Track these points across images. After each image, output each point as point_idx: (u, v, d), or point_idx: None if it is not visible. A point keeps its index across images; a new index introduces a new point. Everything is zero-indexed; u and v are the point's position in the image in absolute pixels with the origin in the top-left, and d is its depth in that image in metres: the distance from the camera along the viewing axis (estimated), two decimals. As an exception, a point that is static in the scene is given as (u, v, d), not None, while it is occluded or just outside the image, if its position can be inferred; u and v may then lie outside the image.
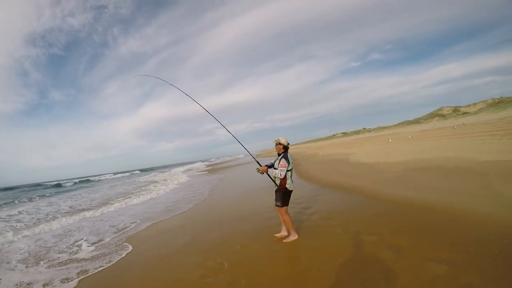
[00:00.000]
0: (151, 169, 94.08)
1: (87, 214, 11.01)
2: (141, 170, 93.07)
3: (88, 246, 6.77)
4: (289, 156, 5.15)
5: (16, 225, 10.61)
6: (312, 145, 69.06)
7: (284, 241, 5.22)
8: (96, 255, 6.10)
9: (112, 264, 5.48)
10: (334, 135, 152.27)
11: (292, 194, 5.23)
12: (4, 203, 22.28)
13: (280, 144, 5.20)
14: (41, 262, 6.03)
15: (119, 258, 5.73)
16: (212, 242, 5.90)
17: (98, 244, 6.97)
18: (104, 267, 5.33)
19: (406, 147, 18.42)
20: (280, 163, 5.02)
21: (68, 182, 52.54)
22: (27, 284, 5.00)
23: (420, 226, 4.82)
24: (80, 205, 15.51)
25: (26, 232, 8.70)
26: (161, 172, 48.93)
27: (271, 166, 5.29)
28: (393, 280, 3.23)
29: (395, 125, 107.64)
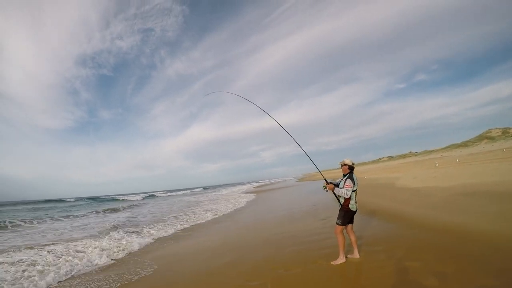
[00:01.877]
0: (205, 189, 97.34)
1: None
2: (190, 189, 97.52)
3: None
4: (354, 177, 5.26)
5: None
6: (358, 169, 67.44)
7: (332, 262, 5.24)
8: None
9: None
10: (379, 159, 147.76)
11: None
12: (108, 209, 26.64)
13: (345, 165, 5.37)
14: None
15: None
16: (255, 263, 5.99)
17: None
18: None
19: (453, 171, 17.95)
20: (346, 183, 5.15)
21: (136, 196, 61.34)
22: None
23: (466, 253, 4.71)
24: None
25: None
26: (213, 192, 51.99)
27: (337, 185, 5.40)
28: None
29: (442, 149, 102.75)
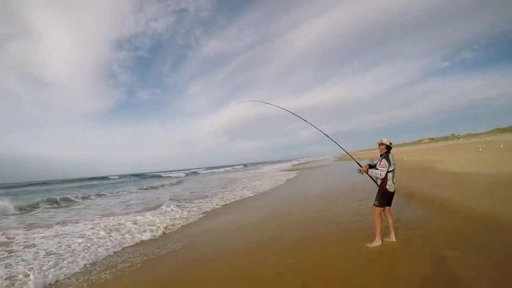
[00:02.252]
0: (245, 166, 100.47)
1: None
2: (231, 166, 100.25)
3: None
4: (391, 157, 5.15)
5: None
6: (398, 150, 65.54)
7: (367, 245, 5.24)
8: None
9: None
10: (420, 140, 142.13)
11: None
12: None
13: (382, 144, 5.26)
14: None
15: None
16: (291, 242, 6.10)
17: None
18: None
19: (497, 157, 17.11)
20: (381, 164, 5.08)
21: (178, 172, 65.55)
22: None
23: (506, 246, 4.57)
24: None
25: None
26: (253, 170, 53.78)
27: (373, 166, 5.35)
28: None
29: (486, 132, 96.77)
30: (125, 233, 7.89)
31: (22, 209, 14.65)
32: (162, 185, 27.02)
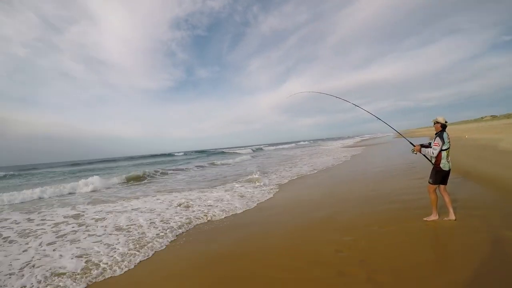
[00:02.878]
0: (314, 141, 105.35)
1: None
2: (295, 143, 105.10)
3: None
4: (445, 135, 5.22)
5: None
6: (458, 127, 62.04)
7: (424, 219, 5.40)
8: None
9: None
10: (482, 117, 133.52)
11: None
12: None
13: (438, 122, 5.32)
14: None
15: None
16: (350, 219, 6.21)
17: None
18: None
19: None
20: (435, 142, 5.18)
21: (243, 149, 69.61)
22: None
23: None
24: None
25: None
26: (317, 146, 56.01)
27: (428, 145, 5.43)
28: None
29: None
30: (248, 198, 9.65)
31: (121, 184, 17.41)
32: (230, 163, 28.88)
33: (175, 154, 76.46)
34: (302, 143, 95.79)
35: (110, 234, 6.80)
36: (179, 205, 9.28)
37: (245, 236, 6.08)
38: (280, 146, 72.67)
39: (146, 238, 6.32)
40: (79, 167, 47.20)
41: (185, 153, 76.71)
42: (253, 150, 59.32)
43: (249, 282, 4.03)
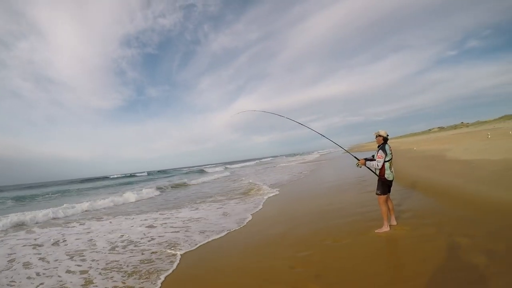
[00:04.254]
0: (259, 160, 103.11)
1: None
2: (259, 159, 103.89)
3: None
4: (387, 147, 5.32)
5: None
6: (407, 140, 65.19)
7: (375, 231, 5.39)
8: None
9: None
10: (430, 129, 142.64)
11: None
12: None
13: (380, 136, 5.45)
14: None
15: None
16: (303, 235, 6.14)
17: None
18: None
19: (506, 144, 17.12)
20: (378, 154, 5.28)
21: (213, 167, 67.56)
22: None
23: None
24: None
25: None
26: (275, 165, 54.13)
27: (372, 158, 5.54)
28: (485, 284, 3.18)
29: (495, 120, 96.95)
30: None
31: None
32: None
33: (138, 175, 73.39)
34: (265, 159, 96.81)
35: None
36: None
37: (202, 257, 5.82)
38: (241, 164, 72.05)
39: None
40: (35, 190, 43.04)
41: (149, 173, 74.22)
42: (225, 168, 58.21)
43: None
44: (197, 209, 11.38)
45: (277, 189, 14.94)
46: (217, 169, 57.39)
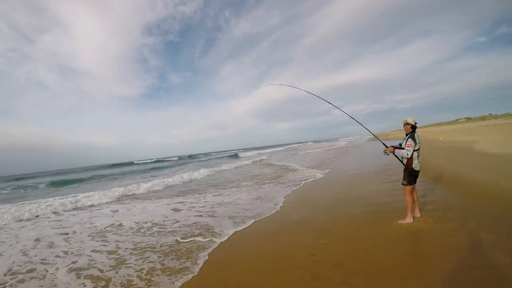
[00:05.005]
0: (287, 145, 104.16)
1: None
2: (283, 146, 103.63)
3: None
4: (416, 136, 5.22)
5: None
6: (433, 129, 63.11)
7: (399, 222, 5.39)
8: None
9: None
10: (456, 120, 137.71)
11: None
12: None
13: (408, 124, 5.34)
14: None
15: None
16: (325, 223, 6.15)
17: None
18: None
19: None
20: (407, 143, 5.17)
21: (249, 151, 69.17)
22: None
23: None
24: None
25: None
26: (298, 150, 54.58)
27: (399, 146, 5.40)
28: (507, 284, 3.14)
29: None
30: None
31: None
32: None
33: (169, 159, 75.30)
34: (292, 145, 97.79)
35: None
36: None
37: (232, 242, 5.96)
38: (269, 150, 72.76)
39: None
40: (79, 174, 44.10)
41: (180, 158, 77.39)
42: (257, 153, 58.61)
43: None
44: (235, 191, 12.00)
45: (318, 170, 15.64)
46: (249, 153, 58.41)
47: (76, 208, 11.67)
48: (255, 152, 65.99)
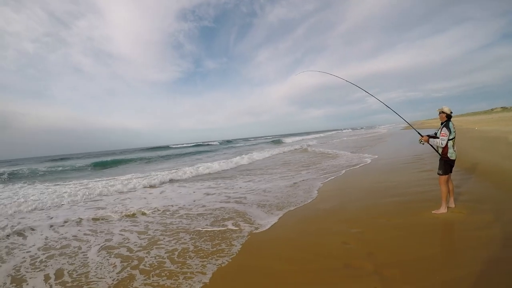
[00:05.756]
0: (322, 133, 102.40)
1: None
2: (321, 133, 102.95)
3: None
4: (451, 125, 5.18)
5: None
6: (468, 118, 60.92)
7: (433, 212, 5.35)
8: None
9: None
10: (492, 109, 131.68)
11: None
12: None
13: (443, 112, 5.30)
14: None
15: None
16: (357, 212, 6.15)
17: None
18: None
19: None
20: (442, 132, 5.16)
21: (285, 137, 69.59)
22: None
23: None
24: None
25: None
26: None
27: (434, 136, 5.41)
28: None
29: None
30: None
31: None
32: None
33: (211, 143, 77.88)
34: (329, 133, 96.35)
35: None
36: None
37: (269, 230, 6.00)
38: (308, 137, 71.16)
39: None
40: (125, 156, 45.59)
41: (221, 143, 78.04)
42: (301, 138, 59.29)
43: (256, 274, 4.01)
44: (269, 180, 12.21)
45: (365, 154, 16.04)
46: (290, 140, 57.79)
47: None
48: (297, 138, 65.56)
